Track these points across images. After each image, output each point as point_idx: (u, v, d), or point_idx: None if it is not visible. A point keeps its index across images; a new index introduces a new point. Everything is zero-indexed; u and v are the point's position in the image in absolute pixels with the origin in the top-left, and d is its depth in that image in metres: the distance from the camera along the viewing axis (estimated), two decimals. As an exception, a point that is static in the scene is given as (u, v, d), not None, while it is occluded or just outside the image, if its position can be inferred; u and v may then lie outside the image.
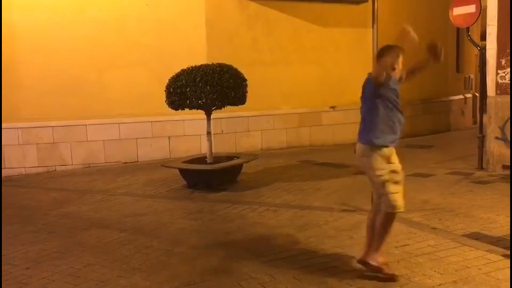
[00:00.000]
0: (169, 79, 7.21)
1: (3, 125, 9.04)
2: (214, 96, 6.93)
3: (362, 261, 3.96)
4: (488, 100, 7.69)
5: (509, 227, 4.89)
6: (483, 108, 8.19)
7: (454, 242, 4.60)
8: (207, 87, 6.88)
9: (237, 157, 7.74)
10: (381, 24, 11.80)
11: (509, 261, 4.09)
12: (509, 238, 4.61)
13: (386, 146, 3.91)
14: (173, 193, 7.17)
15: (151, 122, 9.73)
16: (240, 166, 7.61)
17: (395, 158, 3.97)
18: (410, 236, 4.82)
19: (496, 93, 7.55)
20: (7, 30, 9.03)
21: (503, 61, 7.46)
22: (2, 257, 4.73)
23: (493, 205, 5.82)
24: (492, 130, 7.61)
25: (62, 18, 9.24)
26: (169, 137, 9.84)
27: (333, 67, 11.11)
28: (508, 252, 4.26)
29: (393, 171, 3.88)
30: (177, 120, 9.62)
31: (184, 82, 6.96)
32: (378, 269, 3.88)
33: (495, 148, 7.59)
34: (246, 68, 7.64)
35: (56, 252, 4.84)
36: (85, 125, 9.49)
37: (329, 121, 11.14)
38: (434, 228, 5.06)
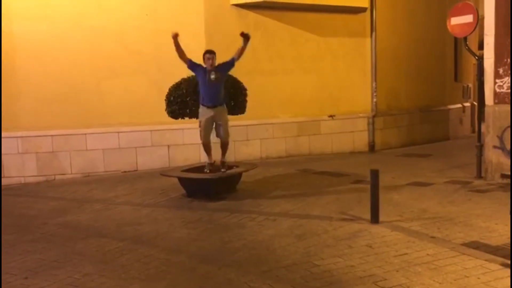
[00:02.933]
0: (169, 88, 7.24)
1: (2, 134, 9.05)
2: (214, 105, 6.95)
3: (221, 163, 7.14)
4: (486, 109, 7.71)
5: (508, 236, 4.90)
6: (481, 117, 8.22)
7: (453, 251, 4.60)
8: (207, 96, 6.91)
9: (236, 166, 7.74)
10: (379, 33, 12.00)
11: (508, 270, 4.08)
12: (509, 247, 4.61)
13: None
14: (172, 202, 7.16)
15: (151, 130, 9.75)
16: (239, 175, 7.62)
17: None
18: (409, 245, 4.82)
19: (494, 102, 7.58)
20: (6, 39, 9.08)
21: (501, 71, 7.50)
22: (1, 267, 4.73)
23: (492, 214, 5.83)
24: (490, 139, 7.63)
25: (61, 27, 9.29)
26: (168, 146, 9.85)
27: (332, 76, 11.15)
28: (508, 261, 4.26)
29: None
30: (176, 129, 9.64)
31: (184, 91, 7.00)
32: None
33: (494, 157, 7.60)
34: (244, 77, 7.68)
35: (55, 262, 4.83)
36: (85, 134, 9.50)
37: (328, 129, 11.16)
38: (433, 237, 5.06)
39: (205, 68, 6.94)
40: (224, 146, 7.20)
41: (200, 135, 7.10)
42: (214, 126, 7.08)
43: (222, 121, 7.03)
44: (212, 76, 6.83)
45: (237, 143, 10.01)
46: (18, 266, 4.76)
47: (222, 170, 7.07)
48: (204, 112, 6.95)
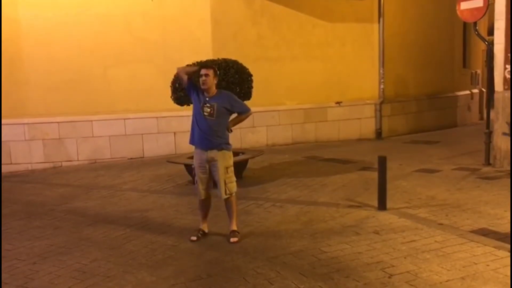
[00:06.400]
0: (175, 75, 7.19)
1: (9, 121, 9.08)
2: (220, 92, 6.90)
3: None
4: (496, 96, 7.62)
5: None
6: (490, 104, 8.13)
7: (461, 238, 4.58)
8: (213, 82, 6.85)
9: (243, 153, 7.72)
10: (387, 19, 11.85)
11: (517, 257, 4.06)
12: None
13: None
14: (179, 189, 7.17)
15: (157, 117, 9.74)
16: (245, 161, 7.60)
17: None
18: (417, 232, 4.79)
19: (504, 88, 7.49)
20: (13, 26, 9.05)
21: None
22: (9, 252, 4.76)
23: (501, 201, 5.79)
24: (499, 125, 7.55)
25: (67, 14, 9.25)
26: (174, 133, 9.84)
27: (339, 62, 11.06)
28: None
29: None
30: (182, 116, 9.54)
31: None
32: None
33: (503, 143, 7.52)
34: (251, 64, 7.60)
35: (63, 248, 4.85)
36: (91, 120, 9.51)
37: (335, 116, 11.10)
38: (441, 224, 5.03)
39: (201, 93, 4.87)
40: (227, 206, 5.00)
41: (197, 190, 5.01)
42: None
43: (219, 166, 4.80)
44: (206, 110, 4.75)
45: (244, 130, 9.97)
46: (27, 251, 4.79)
47: (231, 240, 4.81)
48: (195, 154, 4.95)
